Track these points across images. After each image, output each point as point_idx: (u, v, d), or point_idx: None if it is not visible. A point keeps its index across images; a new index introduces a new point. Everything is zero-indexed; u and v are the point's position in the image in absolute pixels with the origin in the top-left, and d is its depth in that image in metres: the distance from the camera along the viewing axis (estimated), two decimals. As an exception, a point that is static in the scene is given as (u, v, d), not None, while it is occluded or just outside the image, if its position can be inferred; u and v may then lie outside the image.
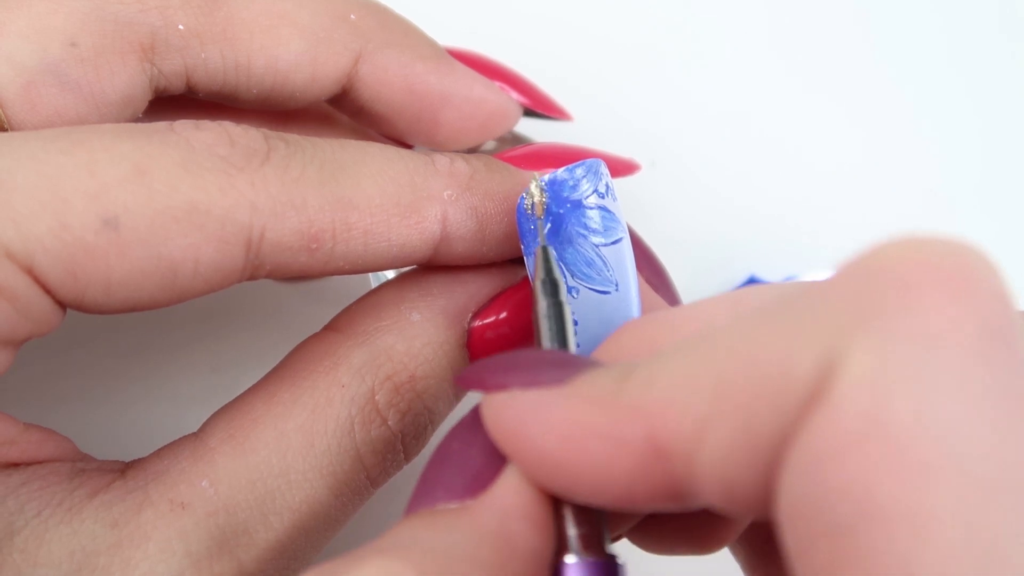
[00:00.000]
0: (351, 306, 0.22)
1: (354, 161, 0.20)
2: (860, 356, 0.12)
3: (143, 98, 0.22)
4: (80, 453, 0.20)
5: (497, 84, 0.25)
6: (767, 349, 0.14)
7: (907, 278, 0.13)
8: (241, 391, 0.21)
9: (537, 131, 0.28)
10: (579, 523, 0.16)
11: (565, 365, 0.17)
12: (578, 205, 0.20)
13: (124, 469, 0.20)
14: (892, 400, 0.12)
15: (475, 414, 0.17)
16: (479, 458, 0.17)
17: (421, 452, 0.22)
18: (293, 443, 0.20)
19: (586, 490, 0.15)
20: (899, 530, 0.12)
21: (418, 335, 0.21)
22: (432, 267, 0.22)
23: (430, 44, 0.24)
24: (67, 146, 0.18)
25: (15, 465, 0.19)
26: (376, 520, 0.27)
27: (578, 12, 0.34)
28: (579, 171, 0.21)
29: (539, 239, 0.20)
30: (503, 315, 0.22)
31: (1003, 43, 0.35)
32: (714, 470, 0.14)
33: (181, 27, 0.21)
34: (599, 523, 0.17)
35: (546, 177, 0.21)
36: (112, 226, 0.17)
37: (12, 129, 0.20)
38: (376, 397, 0.20)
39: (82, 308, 0.18)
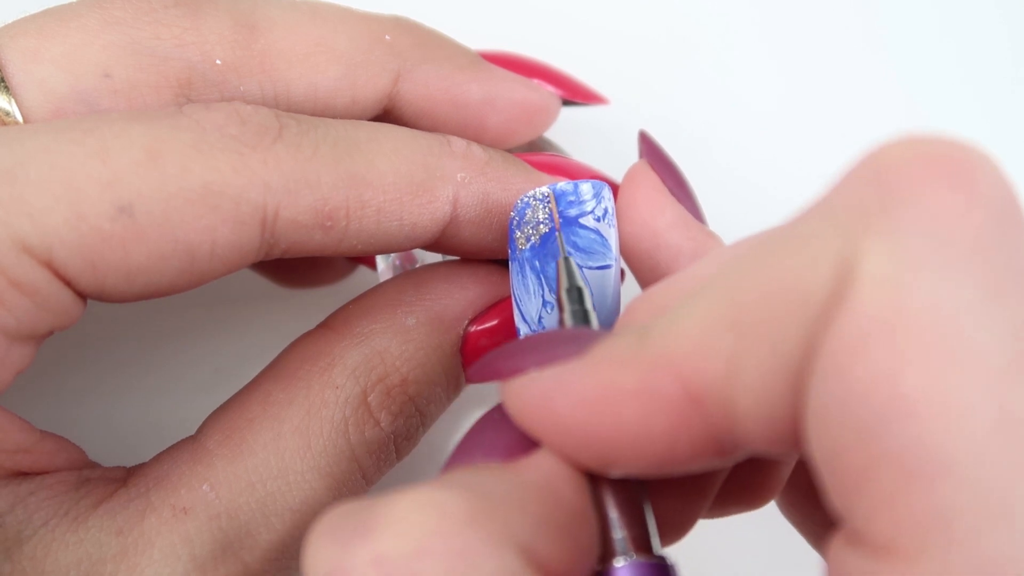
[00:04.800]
0: (347, 305, 0.22)
1: (367, 139, 0.20)
2: (875, 254, 0.12)
3: None
4: (88, 461, 0.21)
5: (535, 81, 0.25)
6: (782, 267, 0.13)
7: (911, 174, 0.13)
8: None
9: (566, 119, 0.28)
10: (625, 524, 0.16)
11: (579, 339, 0.16)
12: (572, 222, 0.20)
13: (126, 476, 0.20)
14: (911, 293, 0.12)
15: None
16: (520, 430, 0.16)
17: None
18: (290, 444, 0.20)
19: (625, 457, 0.15)
20: (930, 421, 0.12)
21: (412, 339, 0.21)
22: (431, 271, 0.23)
23: (466, 53, 0.24)
24: (78, 135, 0.18)
25: (25, 474, 0.19)
26: None
27: (577, 10, 0.34)
28: (584, 188, 0.21)
29: (560, 251, 0.21)
30: (498, 322, 0.22)
31: (1009, 48, 0.35)
32: (752, 405, 0.14)
33: (218, 62, 0.21)
34: (645, 522, 0.16)
35: (544, 189, 0.21)
36: (127, 213, 0.17)
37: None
38: (368, 399, 0.21)
39: (103, 298, 0.18)
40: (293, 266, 0.28)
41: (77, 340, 0.28)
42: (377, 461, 0.21)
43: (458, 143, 0.21)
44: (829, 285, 0.13)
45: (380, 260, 0.26)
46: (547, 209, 0.20)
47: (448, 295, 0.22)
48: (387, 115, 0.23)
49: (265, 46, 0.21)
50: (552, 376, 0.16)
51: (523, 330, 0.21)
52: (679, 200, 0.22)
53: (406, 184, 0.20)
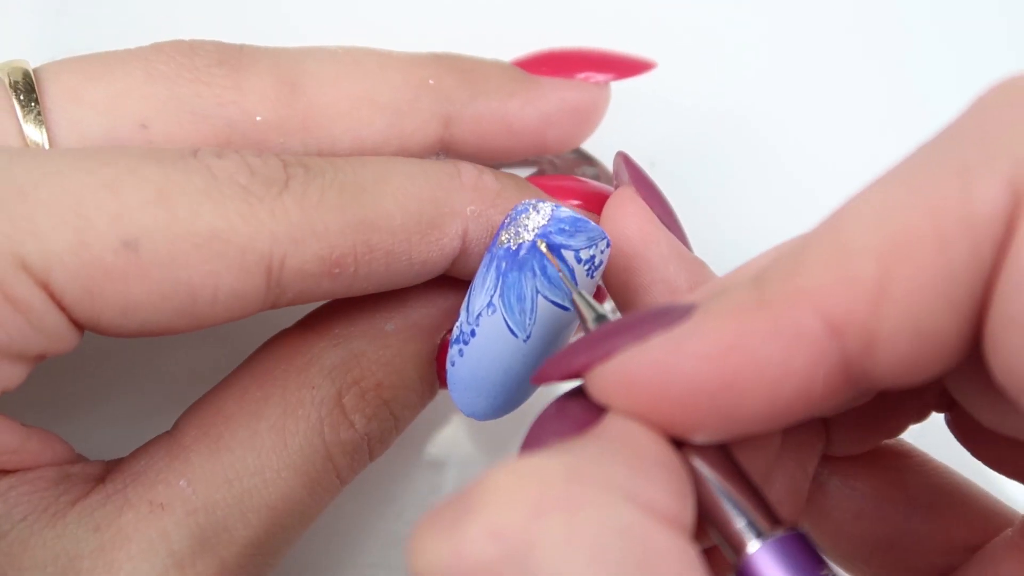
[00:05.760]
0: (327, 306, 0.23)
1: (375, 180, 0.20)
2: None
3: None
4: (74, 456, 0.21)
5: (582, 76, 0.25)
6: (936, 193, 0.14)
7: None
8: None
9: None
10: (742, 496, 0.15)
11: (671, 310, 0.15)
12: (554, 248, 0.20)
13: (103, 473, 0.20)
14: None
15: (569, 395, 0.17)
16: (585, 411, 0.16)
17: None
18: (266, 442, 0.21)
19: (757, 410, 0.15)
20: None
21: (390, 345, 0.22)
22: None
23: (511, 76, 0.24)
24: (93, 166, 0.18)
25: (7, 471, 0.19)
26: (367, 525, 0.28)
27: (577, 9, 0.34)
28: (591, 228, 0.20)
29: (570, 290, 0.20)
30: None
31: (1003, 47, 0.36)
32: (900, 328, 0.14)
33: (259, 119, 0.21)
34: (758, 491, 0.16)
35: (549, 205, 0.20)
36: (132, 248, 0.17)
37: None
38: (343, 400, 0.21)
39: (99, 330, 0.18)
40: None
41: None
42: (351, 461, 0.22)
43: (469, 173, 0.21)
44: (1002, 209, 0.13)
45: None
46: (539, 223, 0.20)
47: (428, 303, 0.22)
48: (444, 154, 0.23)
49: (307, 103, 0.21)
50: (663, 344, 0.15)
51: (461, 317, 0.21)
52: (668, 228, 0.22)
53: (415, 224, 0.20)
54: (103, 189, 0.18)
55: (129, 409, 0.28)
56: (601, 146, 0.28)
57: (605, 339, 0.16)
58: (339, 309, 0.22)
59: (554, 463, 0.14)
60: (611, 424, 0.15)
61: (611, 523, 0.13)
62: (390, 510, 0.28)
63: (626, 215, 0.21)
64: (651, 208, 0.22)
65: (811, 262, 0.14)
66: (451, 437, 0.30)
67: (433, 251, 0.21)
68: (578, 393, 0.17)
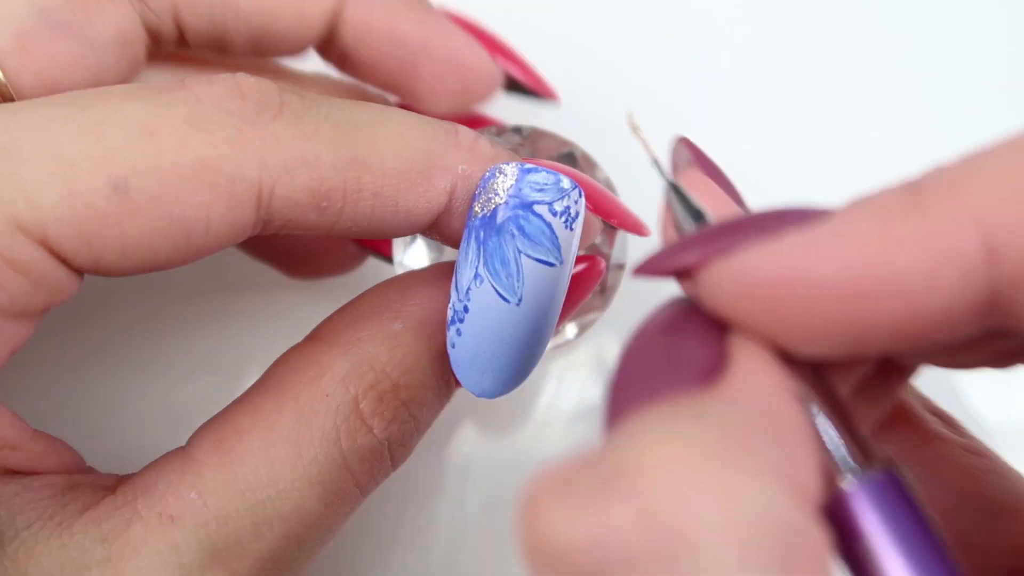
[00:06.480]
0: (332, 316, 0.22)
1: (371, 122, 0.20)
2: None
3: (139, 37, 0.23)
4: (83, 465, 0.20)
5: (483, 47, 0.26)
6: None
7: None
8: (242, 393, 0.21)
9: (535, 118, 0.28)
10: (843, 435, 0.14)
11: (805, 212, 0.14)
12: (526, 206, 0.20)
13: (115, 485, 0.20)
14: None
15: (672, 307, 0.15)
16: (701, 347, 0.14)
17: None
18: (280, 453, 0.20)
19: (885, 327, 0.13)
20: None
21: (400, 344, 0.21)
22: (414, 276, 0.23)
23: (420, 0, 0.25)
24: (72, 112, 0.18)
25: (13, 473, 0.19)
26: (366, 525, 0.27)
27: (576, 8, 0.35)
28: (563, 181, 0.20)
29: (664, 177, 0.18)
30: None
31: (996, 39, 0.36)
32: None
33: None
34: (858, 429, 0.14)
35: (514, 165, 0.20)
36: (122, 190, 0.17)
37: (11, 82, 0.21)
38: (360, 406, 0.21)
39: (99, 273, 0.19)
40: (302, 256, 0.28)
41: (78, 343, 0.28)
42: (371, 469, 0.21)
43: (466, 135, 0.21)
44: None
45: (396, 252, 0.26)
46: (508, 184, 0.20)
47: (433, 299, 0.22)
48: (330, 41, 0.25)
49: None
50: (798, 242, 0.13)
51: (452, 298, 0.20)
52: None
53: (406, 170, 0.20)
54: (86, 134, 0.18)
55: (143, 427, 0.28)
56: (602, 145, 0.28)
57: (723, 233, 0.14)
58: (344, 316, 0.22)
59: (705, 433, 0.12)
60: (742, 380, 0.13)
61: (768, 515, 0.11)
62: (389, 510, 0.27)
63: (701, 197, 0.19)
64: (723, 190, 0.19)
65: (983, 176, 0.13)
66: (451, 437, 0.29)
67: (420, 202, 0.20)
68: (680, 316, 0.14)
